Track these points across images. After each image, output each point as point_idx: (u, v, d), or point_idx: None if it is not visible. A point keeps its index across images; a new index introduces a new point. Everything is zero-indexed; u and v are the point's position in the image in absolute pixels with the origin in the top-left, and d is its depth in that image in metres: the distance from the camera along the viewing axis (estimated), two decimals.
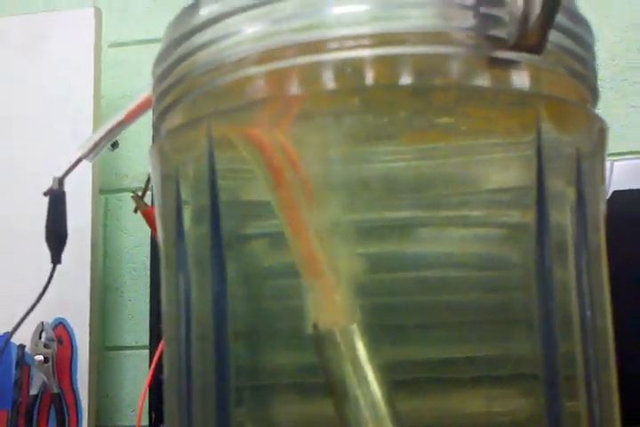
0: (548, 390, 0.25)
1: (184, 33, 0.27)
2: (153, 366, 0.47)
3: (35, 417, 0.72)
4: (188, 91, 0.27)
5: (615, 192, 0.62)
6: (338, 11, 0.25)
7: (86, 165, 0.57)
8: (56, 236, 0.50)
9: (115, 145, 0.80)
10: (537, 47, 0.23)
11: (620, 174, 0.63)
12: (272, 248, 0.27)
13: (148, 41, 0.86)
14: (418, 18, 0.24)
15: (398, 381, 0.25)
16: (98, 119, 0.78)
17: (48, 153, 0.77)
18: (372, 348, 0.25)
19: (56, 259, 0.51)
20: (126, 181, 0.84)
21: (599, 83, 0.81)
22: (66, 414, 0.72)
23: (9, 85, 0.80)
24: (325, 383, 0.26)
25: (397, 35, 0.24)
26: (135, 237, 0.82)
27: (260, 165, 0.26)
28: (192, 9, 0.27)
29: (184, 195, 0.27)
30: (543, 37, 0.23)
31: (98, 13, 0.80)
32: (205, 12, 0.26)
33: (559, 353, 0.25)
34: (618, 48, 0.75)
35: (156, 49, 0.92)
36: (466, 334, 0.25)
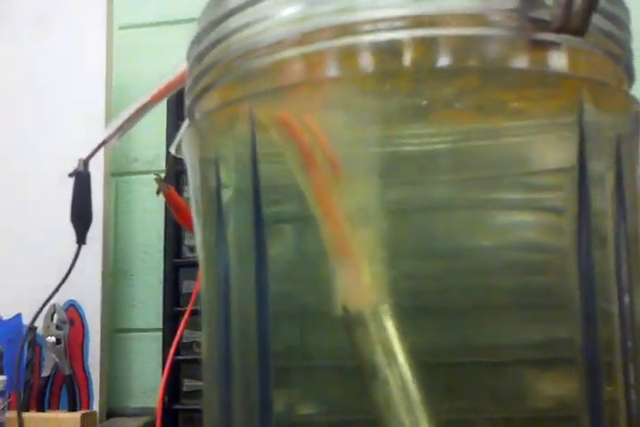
0: (588, 375, 0.25)
1: (220, 16, 0.26)
2: (173, 348, 0.47)
3: (46, 398, 0.72)
4: (225, 73, 0.26)
5: None
6: None
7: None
8: (81, 216, 0.50)
9: None
10: (580, 29, 0.23)
11: None
12: (310, 230, 0.27)
13: (159, 23, 0.86)
14: None
15: (434, 364, 0.25)
16: (109, 101, 0.78)
17: (60, 135, 0.77)
18: (409, 331, 0.25)
19: (81, 239, 0.50)
20: (136, 164, 0.84)
21: None
22: (77, 395, 0.72)
23: (20, 68, 0.80)
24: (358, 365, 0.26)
25: (435, 16, 0.24)
26: (146, 219, 0.82)
27: (290, 147, 0.26)
28: None
29: (224, 177, 0.27)
30: (587, 20, 0.22)
31: None
32: None
33: (599, 338, 0.25)
34: None
35: (166, 31, 0.92)
36: (505, 318, 0.25)
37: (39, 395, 0.72)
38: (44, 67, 0.80)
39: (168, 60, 0.88)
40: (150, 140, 0.82)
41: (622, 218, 0.25)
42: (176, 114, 0.73)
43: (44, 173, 0.76)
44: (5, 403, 0.67)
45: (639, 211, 0.27)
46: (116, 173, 0.83)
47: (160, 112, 0.74)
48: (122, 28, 0.86)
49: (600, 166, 0.25)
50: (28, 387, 0.71)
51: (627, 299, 0.26)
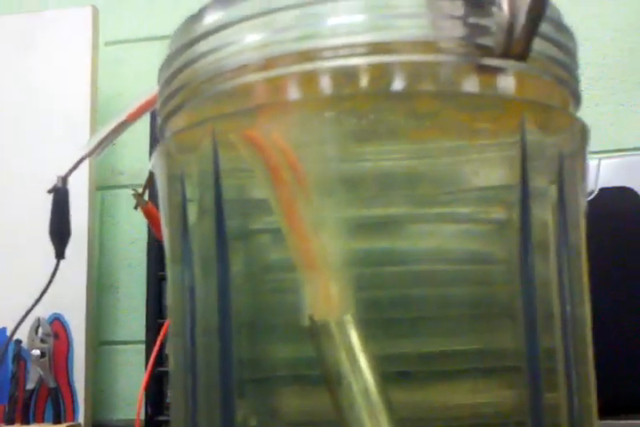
0: (530, 382, 0.26)
1: (188, 41, 0.28)
2: (152, 360, 0.48)
3: (31, 411, 0.73)
4: (192, 95, 0.28)
5: (602, 189, 0.63)
6: (334, 21, 0.26)
7: (83, 162, 0.58)
8: (60, 232, 0.52)
9: None
10: (522, 55, 0.24)
11: (608, 172, 0.64)
12: (273, 244, 0.28)
13: (145, 39, 0.87)
14: (410, 28, 0.25)
15: (386, 372, 0.26)
16: (94, 117, 0.79)
17: (45, 151, 0.78)
18: (371, 340, 0.26)
19: (60, 254, 0.52)
20: (122, 177, 0.85)
21: (589, 81, 0.82)
22: (62, 408, 0.73)
23: (5, 83, 0.81)
24: (322, 374, 0.27)
25: (390, 44, 0.25)
26: (130, 233, 0.83)
27: (259, 164, 0.27)
28: (196, 18, 0.28)
29: (189, 193, 0.28)
30: (528, 46, 0.24)
31: (95, 12, 0.81)
32: (208, 21, 0.28)
33: (541, 346, 0.26)
34: (608, 47, 0.77)
35: (152, 47, 0.93)
36: (452, 328, 0.26)
37: (24, 408, 0.72)
38: (28, 83, 0.81)
39: (154, 75, 0.88)
40: (136, 153, 0.83)
41: (564, 230, 0.27)
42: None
43: (30, 187, 0.77)
44: None
45: (581, 223, 0.28)
46: (102, 187, 0.83)
47: (146, 126, 0.76)
48: (107, 44, 0.87)
49: (543, 182, 0.27)
50: (12, 400, 0.71)
51: (569, 308, 0.27)
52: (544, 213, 0.27)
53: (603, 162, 0.64)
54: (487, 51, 0.25)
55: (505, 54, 0.24)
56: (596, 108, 0.75)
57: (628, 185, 0.64)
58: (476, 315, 0.26)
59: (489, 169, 0.27)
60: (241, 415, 0.27)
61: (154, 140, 0.74)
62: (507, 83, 0.26)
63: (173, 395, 0.30)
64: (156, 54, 0.85)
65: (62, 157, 0.75)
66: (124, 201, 0.84)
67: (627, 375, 0.57)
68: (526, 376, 0.26)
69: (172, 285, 0.30)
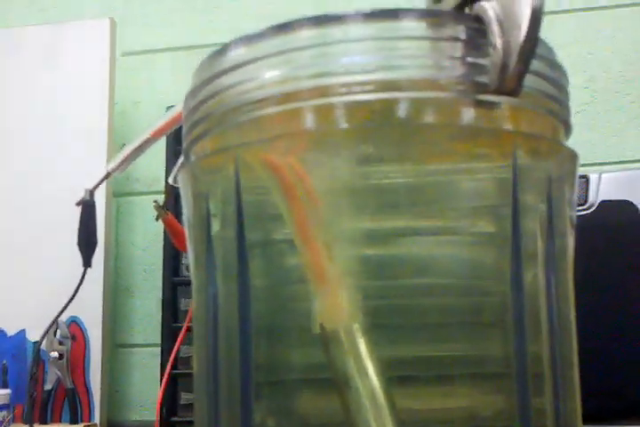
0: (519, 387, 0.28)
1: (213, 74, 0.30)
2: (170, 362, 0.50)
3: (49, 411, 0.75)
4: (216, 124, 0.30)
5: (603, 202, 0.65)
6: (346, 60, 0.28)
7: (100, 170, 0.59)
8: (87, 242, 0.55)
9: None
10: (514, 91, 0.27)
11: (608, 185, 0.66)
12: (289, 254, 0.30)
13: (161, 50, 0.89)
14: (414, 67, 0.28)
15: (389, 376, 0.29)
16: (112, 127, 0.81)
17: (63, 161, 0.80)
18: (376, 346, 0.29)
19: (87, 263, 0.55)
20: (137, 184, 0.87)
21: (594, 94, 0.84)
22: (79, 409, 0.75)
23: (25, 94, 0.83)
24: (332, 378, 0.29)
25: (397, 82, 0.28)
26: (146, 239, 0.85)
27: (275, 184, 0.30)
28: (220, 53, 0.31)
29: (212, 208, 0.31)
30: (519, 83, 0.27)
31: (112, 24, 0.83)
32: (232, 57, 0.30)
33: (529, 353, 0.28)
34: (612, 60, 0.79)
35: (168, 57, 0.95)
36: (447, 335, 0.29)
37: (42, 408, 0.74)
38: (47, 94, 0.83)
39: (170, 85, 0.90)
40: (152, 161, 0.84)
41: (552, 244, 0.29)
42: (175, 137, 0.76)
43: (52, 198, 0.79)
44: (10, 416, 0.70)
45: (568, 238, 0.31)
46: (118, 193, 0.85)
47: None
48: (124, 54, 0.89)
49: (533, 200, 0.29)
50: (31, 400, 0.73)
51: (555, 316, 0.29)
52: (533, 228, 0.29)
53: (603, 176, 0.66)
54: (483, 87, 0.27)
55: (499, 91, 0.27)
56: (598, 121, 0.77)
57: (628, 199, 0.65)
58: (468, 323, 0.29)
59: (485, 189, 0.30)
60: (259, 417, 0.30)
61: (170, 148, 0.76)
62: (501, 116, 0.29)
63: (197, 396, 0.32)
64: (171, 65, 0.88)
65: (80, 166, 0.78)
66: (140, 207, 0.86)
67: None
68: (515, 382, 0.28)
69: (196, 291, 0.33)
